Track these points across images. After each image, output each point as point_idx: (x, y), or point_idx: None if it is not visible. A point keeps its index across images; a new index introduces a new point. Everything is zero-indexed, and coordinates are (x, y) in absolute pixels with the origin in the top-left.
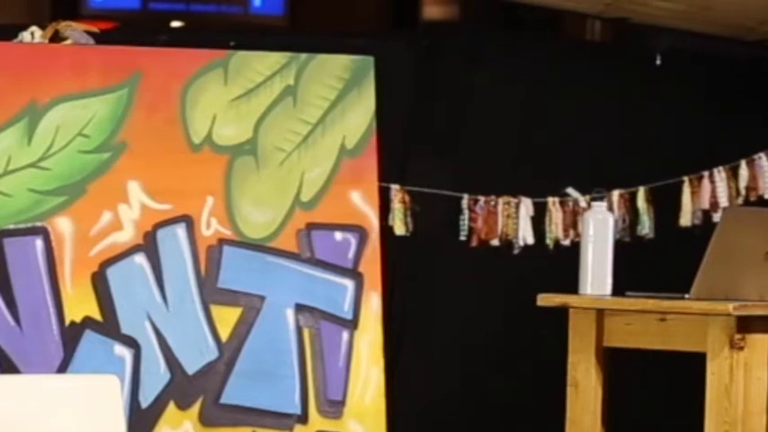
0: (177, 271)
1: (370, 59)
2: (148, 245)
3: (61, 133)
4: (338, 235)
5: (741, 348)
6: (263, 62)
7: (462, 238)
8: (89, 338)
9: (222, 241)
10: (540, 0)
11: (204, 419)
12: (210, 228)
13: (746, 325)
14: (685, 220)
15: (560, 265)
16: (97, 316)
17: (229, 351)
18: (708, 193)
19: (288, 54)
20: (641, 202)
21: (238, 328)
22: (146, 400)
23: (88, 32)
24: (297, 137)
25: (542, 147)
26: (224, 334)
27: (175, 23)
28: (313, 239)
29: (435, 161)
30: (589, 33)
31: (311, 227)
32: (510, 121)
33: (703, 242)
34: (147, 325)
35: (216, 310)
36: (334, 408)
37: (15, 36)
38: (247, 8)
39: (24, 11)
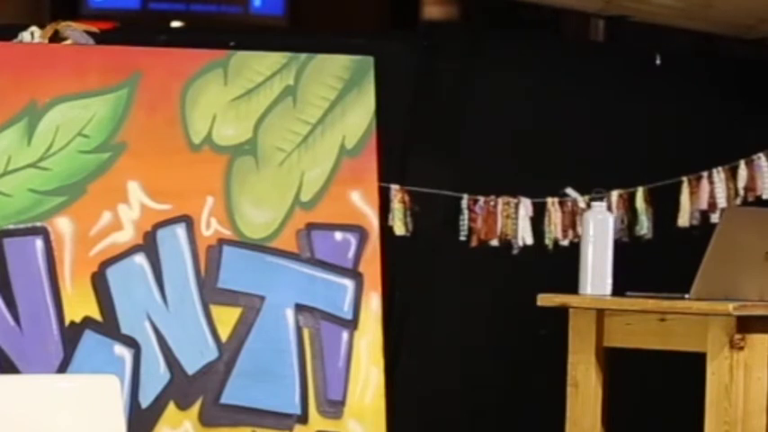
0: (177, 271)
1: (370, 59)
2: (148, 245)
3: (61, 133)
4: (338, 235)
5: (741, 348)
6: (263, 62)
7: (462, 238)
8: (89, 338)
9: (222, 241)
10: None
11: (204, 419)
12: (210, 228)
13: (746, 325)
14: (683, 220)
15: (560, 265)
16: (97, 316)
17: (229, 351)
18: (706, 194)
19: (288, 54)
20: (640, 202)
21: (238, 328)
22: (146, 400)
23: (88, 32)
24: (297, 137)
25: (542, 147)
26: (224, 334)
27: (175, 23)
28: (313, 239)
29: (435, 161)
30: (589, 33)
31: (311, 227)
32: (509, 121)
33: (701, 242)
34: (147, 325)
35: (216, 311)
36: (334, 408)
37: (15, 36)
38: (247, 8)
39: (24, 11)
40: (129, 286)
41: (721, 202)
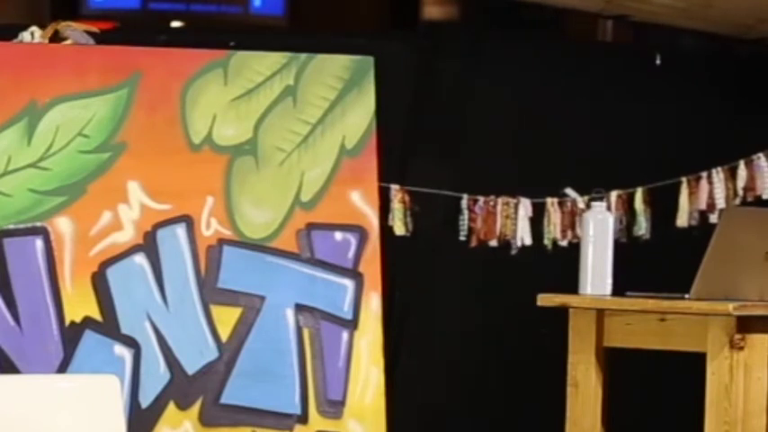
0: (177, 271)
1: (370, 59)
2: (148, 245)
3: (61, 133)
4: (338, 235)
5: (741, 348)
6: (263, 62)
7: (462, 238)
8: (89, 338)
9: (222, 241)
10: None
11: (204, 419)
12: (210, 228)
13: (746, 325)
14: (682, 220)
15: (559, 265)
16: (97, 316)
17: (229, 351)
18: (705, 194)
19: (288, 54)
20: (639, 203)
21: (238, 328)
22: (146, 400)
23: (88, 32)
24: (297, 137)
25: (541, 147)
26: (224, 334)
27: (175, 23)
28: (313, 239)
29: (435, 161)
30: (589, 33)
31: (311, 227)
32: (509, 121)
33: (701, 243)
34: (147, 325)
35: (216, 310)
36: (334, 408)
37: (15, 36)
38: (247, 8)
39: (24, 11)
40: (129, 286)
41: (720, 202)
